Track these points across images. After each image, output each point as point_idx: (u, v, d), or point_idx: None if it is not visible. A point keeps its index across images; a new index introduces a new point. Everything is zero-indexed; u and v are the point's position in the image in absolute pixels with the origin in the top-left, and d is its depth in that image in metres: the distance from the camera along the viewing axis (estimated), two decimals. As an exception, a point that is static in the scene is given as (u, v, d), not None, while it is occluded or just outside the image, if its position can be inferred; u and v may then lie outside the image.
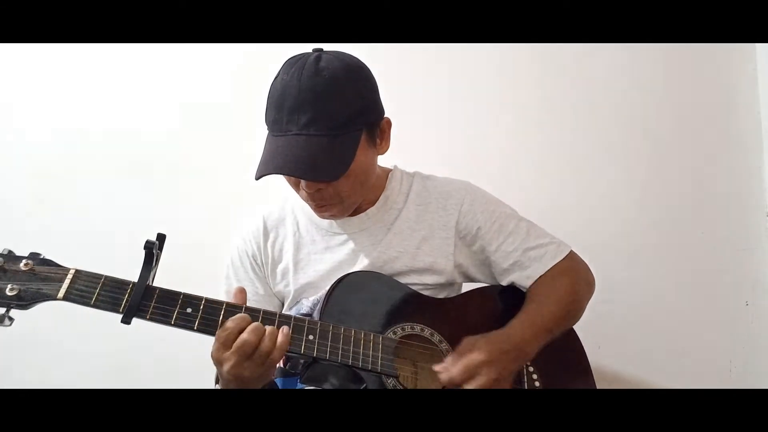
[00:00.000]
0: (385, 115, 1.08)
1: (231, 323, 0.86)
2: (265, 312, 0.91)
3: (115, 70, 1.65)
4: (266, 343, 0.85)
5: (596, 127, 1.61)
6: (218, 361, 0.86)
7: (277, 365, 1.10)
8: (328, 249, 1.12)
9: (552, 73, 1.62)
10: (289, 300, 1.14)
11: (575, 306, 1.11)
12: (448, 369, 0.94)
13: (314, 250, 1.13)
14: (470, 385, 0.92)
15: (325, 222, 1.13)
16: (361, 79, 1.02)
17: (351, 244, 1.12)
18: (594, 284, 1.16)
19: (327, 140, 0.95)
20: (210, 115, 1.64)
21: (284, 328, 0.89)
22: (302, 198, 1.07)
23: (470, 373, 0.92)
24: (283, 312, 1.15)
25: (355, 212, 1.12)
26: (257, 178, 0.96)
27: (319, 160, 0.95)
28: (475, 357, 0.93)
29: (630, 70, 1.61)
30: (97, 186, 1.62)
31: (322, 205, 1.05)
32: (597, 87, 1.62)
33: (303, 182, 1.00)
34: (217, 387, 0.99)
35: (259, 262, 1.16)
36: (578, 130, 1.61)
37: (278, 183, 1.14)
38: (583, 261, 1.16)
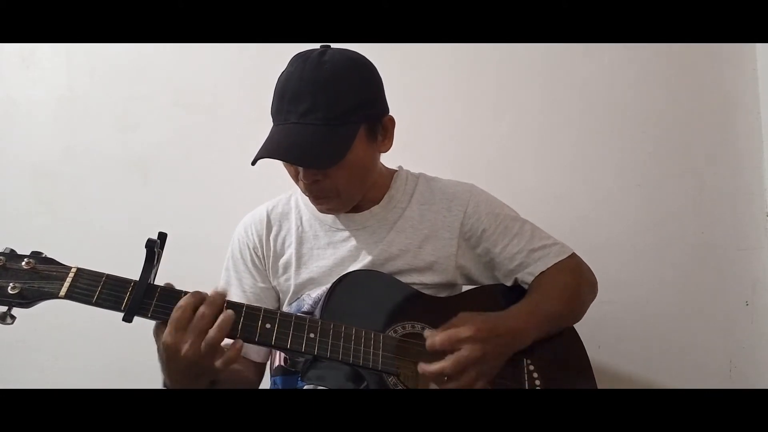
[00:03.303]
0: (390, 114, 1.08)
1: (183, 301, 0.84)
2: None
3: (115, 70, 1.66)
4: (215, 329, 0.82)
5: (597, 127, 1.61)
6: (175, 348, 0.82)
7: (278, 363, 1.10)
8: (331, 245, 1.13)
9: (553, 74, 1.62)
10: (289, 295, 1.13)
11: (576, 303, 1.11)
12: (433, 336, 0.93)
13: (317, 246, 1.13)
14: (450, 359, 0.90)
15: (329, 218, 1.13)
16: (362, 73, 1.03)
17: (353, 241, 1.12)
18: (596, 286, 1.16)
19: (323, 129, 0.96)
20: (211, 114, 1.64)
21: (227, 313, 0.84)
22: (301, 189, 1.07)
23: (452, 345, 0.91)
24: (283, 308, 1.15)
25: (359, 210, 1.12)
26: (253, 164, 0.96)
27: (313, 148, 0.95)
28: (462, 331, 0.92)
29: (630, 70, 1.61)
30: (98, 186, 1.63)
31: (319, 197, 1.05)
32: (597, 87, 1.62)
33: (301, 173, 1.01)
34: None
35: (259, 254, 1.16)
36: (579, 131, 1.61)
37: (281, 182, 1.14)
38: (585, 263, 1.16)
